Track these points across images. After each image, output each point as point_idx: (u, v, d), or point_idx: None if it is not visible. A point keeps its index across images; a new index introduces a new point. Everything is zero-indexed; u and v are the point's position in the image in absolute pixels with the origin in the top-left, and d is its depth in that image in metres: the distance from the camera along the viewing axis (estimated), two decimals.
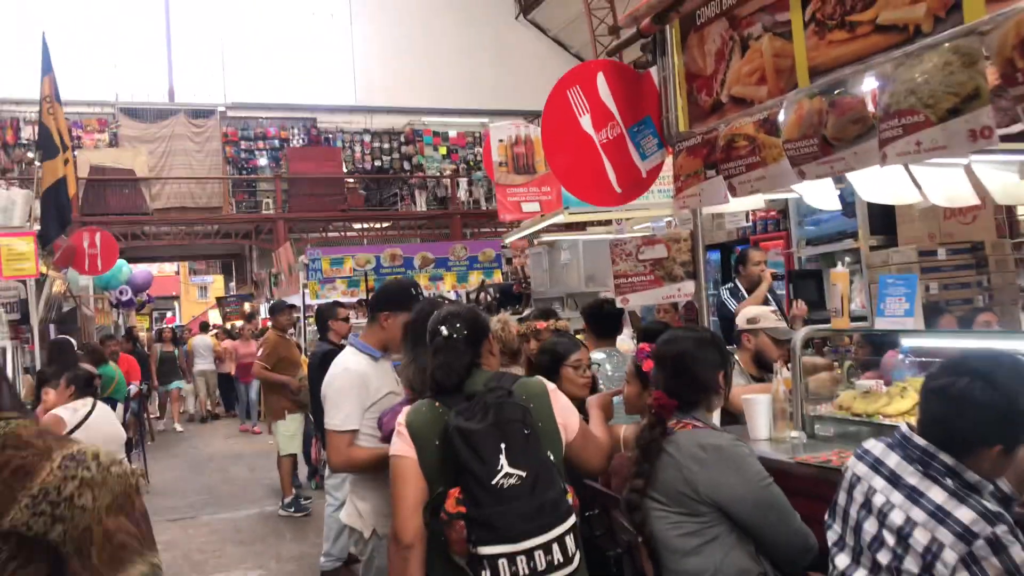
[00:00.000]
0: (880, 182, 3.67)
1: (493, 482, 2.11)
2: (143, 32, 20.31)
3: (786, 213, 7.32)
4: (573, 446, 2.44)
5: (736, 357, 3.68)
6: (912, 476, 1.82)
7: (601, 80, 3.37)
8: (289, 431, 7.80)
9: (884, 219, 5.93)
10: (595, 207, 6.05)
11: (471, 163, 23.25)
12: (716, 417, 2.79)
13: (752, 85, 2.94)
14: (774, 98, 2.84)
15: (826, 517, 2.07)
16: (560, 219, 6.11)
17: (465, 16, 23.08)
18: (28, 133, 19.20)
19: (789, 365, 3.24)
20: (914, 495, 1.79)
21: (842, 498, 2.01)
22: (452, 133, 23.67)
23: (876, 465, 1.92)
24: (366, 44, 22.38)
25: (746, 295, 5.53)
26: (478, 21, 23.27)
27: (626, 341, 6.02)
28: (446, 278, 14.64)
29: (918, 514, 1.76)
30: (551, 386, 2.47)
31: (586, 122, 3.35)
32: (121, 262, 13.10)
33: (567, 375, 3.35)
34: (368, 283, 11.52)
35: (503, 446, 2.15)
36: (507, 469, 2.12)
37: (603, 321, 4.44)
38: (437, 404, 2.38)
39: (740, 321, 3.79)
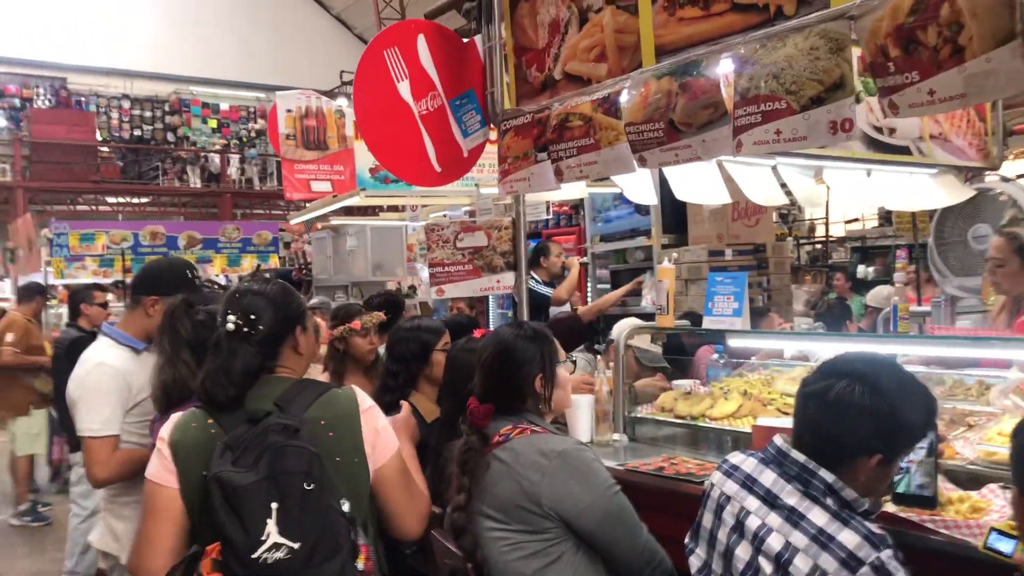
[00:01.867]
0: (695, 181, 3.63)
1: (255, 556, 1.63)
2: None
3: (579, 208, 7.34)
4: (385, 487, 1.92)
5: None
6: (791, 496, 1.65)
7: (422, 43, 3.02)
8: (33, 428, 6.89)
9: (675, 218, 6.05)
10: (392, 190, 5.70)
11: (244, 139, 21.91)
12: None
13: (590, 62, 2.72)
14: (614, 77, 2.64)
15: (687, 540, 1.87)
16: (355, 201, 5.67)
17: None
18: None
19: (611, 363, 3.08)
20: (794, 517, 1.62)
21: (708, 520, 1.81)
22: (224, 106, 22.19)
23: (749, 483, 1.73)
24: (130, 2, 20.35)
25: (548, 285, 5.44)
26: None
27: None
28: (215, 261, 13.63)
29: (799, 539, 1.59)
30: (366, 404, 1.94)
31: (404, 89, 2.98)
32: None
33: (439, 361, 2.94)
34: (125, 262, 10.41)
35: (274, 507, 1.65)
36: (275, 539, 1.64)
37: (390, 312, 4.13)
38: (210, 421, 1.84)
39: (615, 333, 3.61)
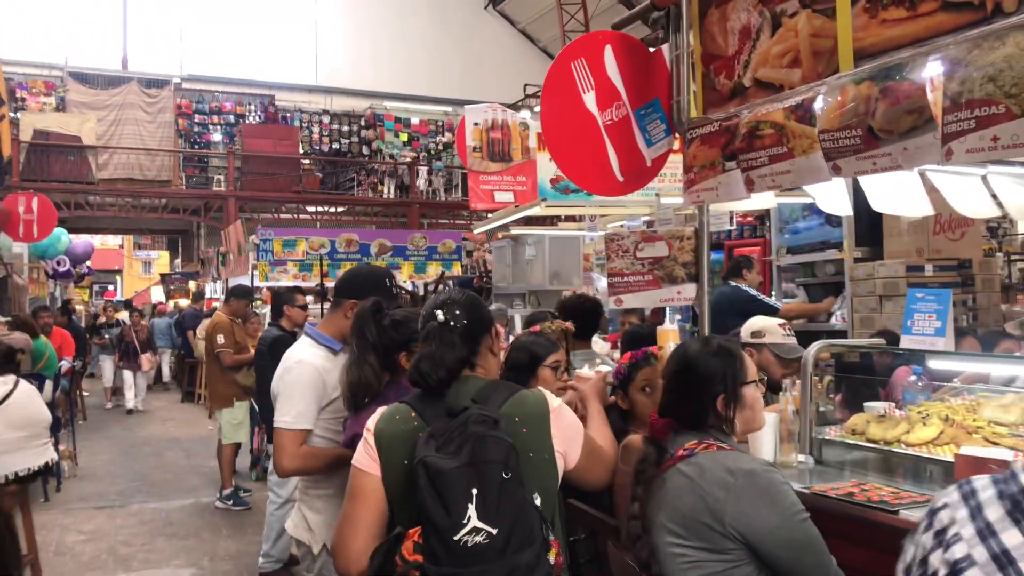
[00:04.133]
0: (893, 191, 3.41)
1: (456, 538, 1.70)
2: None
3: (764, 219, 7.09)
4: (576, 470, 2.08)
5: None
6: (1013, 538, 1.46)
7: (609, 54, 3.03)
8: (236, 418, 7.45)
9: (870, 230, 5.70)
10: (572, 200, 5.76)
11: (432, 151, 22.83)
12: None
13: (783, 68, 2.63)
14: (808, 83, 2.53)
15: (904, 541, 1.73)
16: (536, 211, 5.77)
17: (434, 2, 22.63)
18: None
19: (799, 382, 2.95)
20: (1004, 560, 1.44)
21: (926, 539, 1.65)
22: (414, 120, 23.22)
23: (976, 512, 1.56)
24: (330, 23, 21.81)
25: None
26: (447, 8, 22.87)
27: (598, 343, 5.73)
28: (403, 267, 14.25)
29: None
30: (555, 403, 2.04)
31: (590, 100, 3.00)
32: (60, 231, 12.40)
33: (544, 376, 2.99)
34: (323, 267, 11.08)
35: (475, 493, 1.73)
36: (475, 523, 1.71)
37: (583, 320, 4.13)
38: (413, 414, 1.98)
39: (744, 334, 3.51)
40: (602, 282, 6.76)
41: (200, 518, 7.14)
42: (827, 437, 2.96)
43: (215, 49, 20.44)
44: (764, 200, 4.79)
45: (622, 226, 6.62)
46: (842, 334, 5.60)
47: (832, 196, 3.54)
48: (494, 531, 1.71)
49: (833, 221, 6.03)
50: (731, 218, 6.27)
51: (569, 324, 3.73)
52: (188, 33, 20.20)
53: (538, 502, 1.85)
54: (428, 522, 1.74)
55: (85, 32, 19.25)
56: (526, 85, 19.74)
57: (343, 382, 2.70)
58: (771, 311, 5.05)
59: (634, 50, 3.10)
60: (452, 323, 2.04)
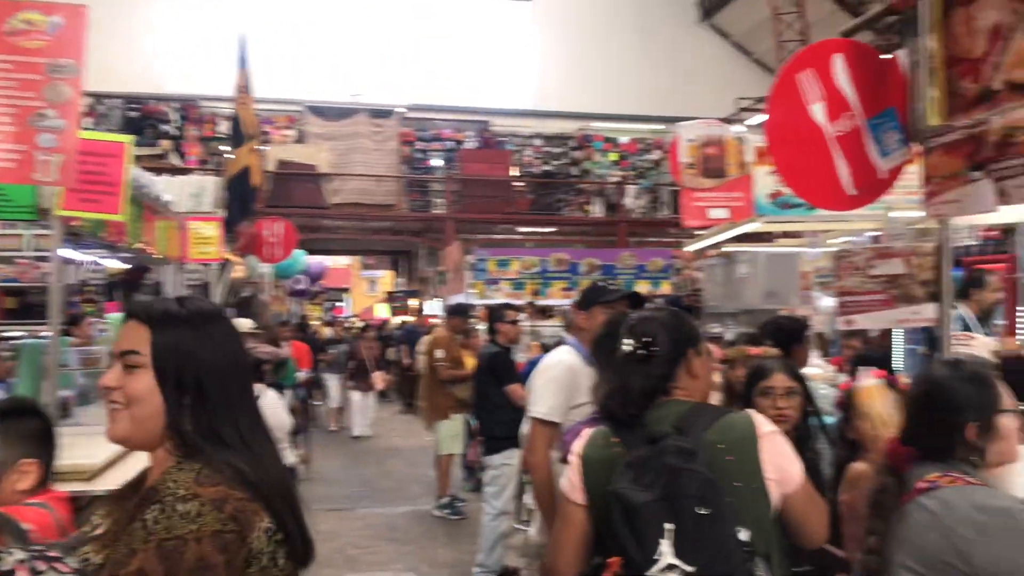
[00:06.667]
0: None
1: (648, 574, 1.66)
2: (331, 35, 21.16)
3: (1011, 232, 6.42)
4: (792, 507, 1.92)
5: None
6: None
7: (839, 63, 2.89)
8: (452, 431, 7.76)
9: None
10: (792, 216, 5.53)
11: (640, 170, 22.76)
12: None
13: None
14: None
15: None
16: (752, 227, 5.59)
17: (644, 21, 22.68)
18: (224, 128, 20.36)
19: None
20: None
21: None
22: (623, 139, 23.27)
23: None
24: (543, 49, 22.39)
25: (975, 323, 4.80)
26: (657, 26, 22.79)
27: (819, 365, 5.42)
28: None
29: None
30: (765, 427, 1.92)
31: (817, 111, 2.88)
32: (299, 252, 13.54)
33: (757, 404, 2.88)
34: (534, 286, 11.34)
35: (668, 528, 1.67)
36: (669, 560, 1.65)
37: (782, 341, 3.93)
38: (615, 439, 1.94)
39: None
40: (824, 301, 6.41)
41: (419, 525, 7.50)
42: None
43: (435, 80, 21.61)
44: (1010, 212, 4.33)
45: (845, 241, 6.28)
46: None
47: None
48: (691, 569, 1.66)
49: None
50: (972, 232, 5.76)
51: (762, 350, 3.56)
52: (411, 66, 21.49)
53: (746, 536, 1.76)
54: (624, 555, 1.72)
55: (321, 69, 21.00)
56: (739, 98, 19.22)
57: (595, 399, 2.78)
58: None
59: (866, 58, 2.93)
60: (640, 350, 1.98)
